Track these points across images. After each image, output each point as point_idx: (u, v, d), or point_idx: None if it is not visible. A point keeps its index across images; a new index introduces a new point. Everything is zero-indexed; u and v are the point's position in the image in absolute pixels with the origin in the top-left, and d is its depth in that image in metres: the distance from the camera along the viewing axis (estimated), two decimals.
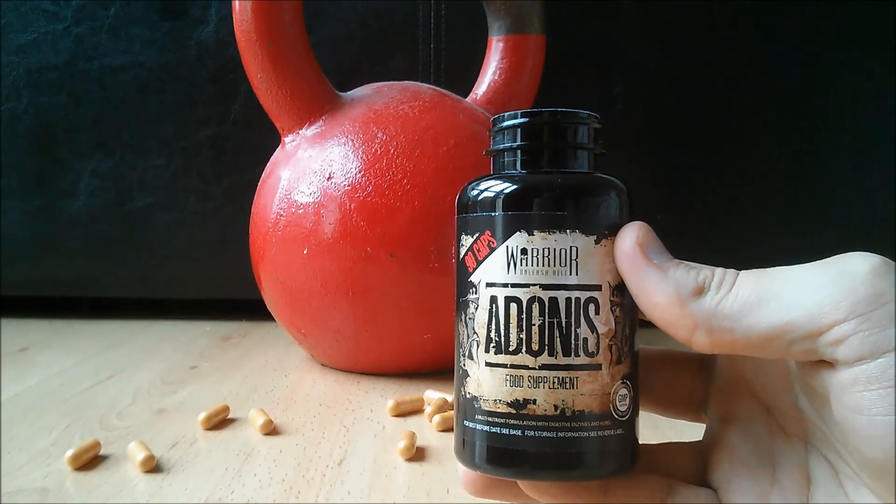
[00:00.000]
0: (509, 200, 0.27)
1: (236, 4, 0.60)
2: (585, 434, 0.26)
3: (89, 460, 0.43)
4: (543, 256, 0.26)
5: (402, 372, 0.63)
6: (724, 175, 0.86)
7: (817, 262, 0.24)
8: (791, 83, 0.83)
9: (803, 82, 0.83)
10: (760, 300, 0.23)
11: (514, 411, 0.26)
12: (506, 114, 0.29)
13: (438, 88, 0.68)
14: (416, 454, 0.45)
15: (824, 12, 0.82)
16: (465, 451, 0.28)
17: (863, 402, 0.21)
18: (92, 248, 0.87)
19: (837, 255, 0.24)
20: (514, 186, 0.27)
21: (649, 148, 0.85)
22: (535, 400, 0.26)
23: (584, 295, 0.26)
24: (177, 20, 0.83)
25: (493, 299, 0.27)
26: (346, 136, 0.60)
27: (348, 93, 0.66)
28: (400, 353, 0.62)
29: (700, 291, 0.24)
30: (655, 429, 0.45)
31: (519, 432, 0.26)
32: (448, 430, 0.49)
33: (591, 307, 0.26)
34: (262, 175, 0.66)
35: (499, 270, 0.26)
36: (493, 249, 0.27)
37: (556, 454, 0.26)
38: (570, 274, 0.26)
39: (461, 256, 0.28)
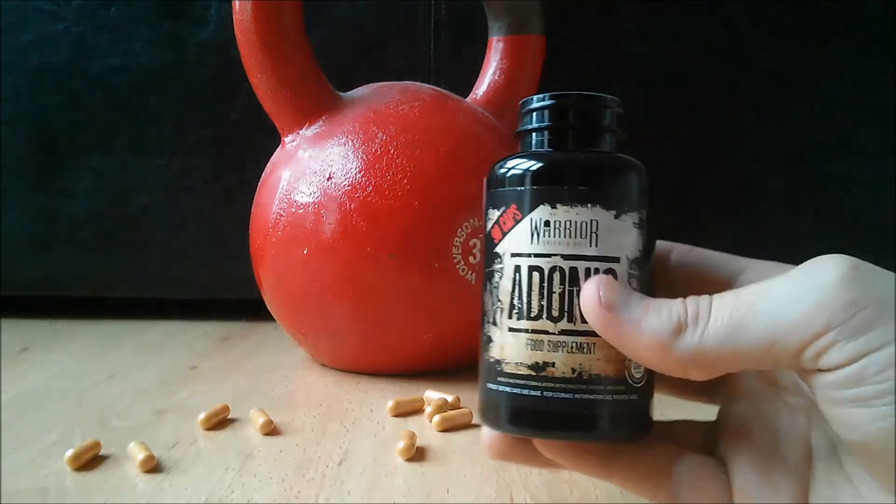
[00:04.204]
0: (535, 176, 0.28)
1: (236, 4, 0.60)
2: (601, 397, 0.27)
3: (89, 460, 0.43)
4: (565, 228, 0.27)
5: (402, 372, 0.63)
6: (724, 176, 0.86)
7: (788, 273, 0.24)
8: (790, 84, 0.83)
9: (802, 83, 0.83)
10: (740, 325, 0.24)
11: (534, 373, 0.28)
12: (534, 97, 0.30)
13: (438, 88, 0.68)
14: (416, 454, 0.45)
15: (824, 13, 0.82)
16: (488, 412, 0.30)
17: (844, 397, 0.22)
18: (92, 248, 0.87)
19: (807, 263, 0.24)
20: (540, 163, 0.29)
21: (648, 149, 0.84)
22: (553, 363, 0.27)
23: (602, 266, 0.27)
24: (177, 20, 0.83)
25: (517, 268, 0.28)
26: (346, 136, 0.60)
27: (348, 93, 0.66)
28: (400, 353, 0.62)
29: (679, 330, 0.25)
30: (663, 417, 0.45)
31: (538, 393, 0.27)
32: (448, 430, 0.49)
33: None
34: (262, 175, 0.66)
35: (523, 241, 0.28)
36: (517, 221, 0.28)
37: (572, 414, 0.27)
38: (590, 245, 0.27)
39: (488, 229, 0.30)
